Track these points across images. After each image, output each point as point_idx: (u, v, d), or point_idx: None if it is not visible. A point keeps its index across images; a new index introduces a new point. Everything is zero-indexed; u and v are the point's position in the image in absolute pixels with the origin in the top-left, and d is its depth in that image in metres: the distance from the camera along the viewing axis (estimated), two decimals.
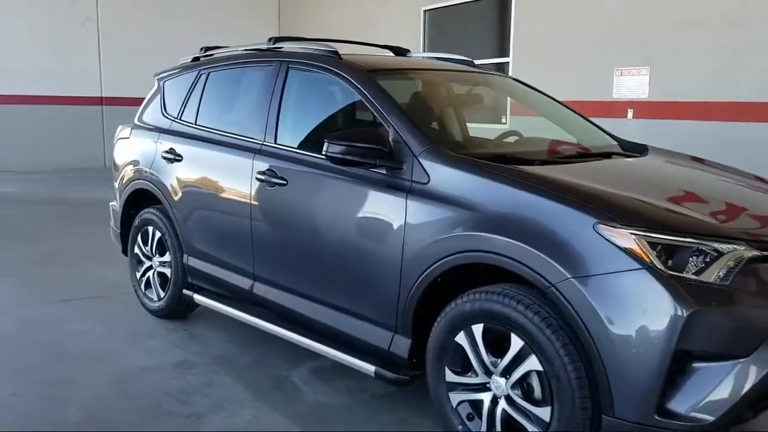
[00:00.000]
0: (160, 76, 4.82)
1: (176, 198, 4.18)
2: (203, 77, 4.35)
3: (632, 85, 7.37)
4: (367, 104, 3.21)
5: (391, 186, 2.94)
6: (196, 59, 4.69)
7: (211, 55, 4.57)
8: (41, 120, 13.14)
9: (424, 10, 10.72)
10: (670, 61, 7.09)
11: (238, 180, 3.74)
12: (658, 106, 7.22)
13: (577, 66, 8.01)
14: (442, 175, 2.80)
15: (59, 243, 6.77)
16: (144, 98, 4.93)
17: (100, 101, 13.71)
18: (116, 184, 4.88)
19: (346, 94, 3.56)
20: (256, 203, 3.60)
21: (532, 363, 2.47)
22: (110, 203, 5.10)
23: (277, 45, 3.98)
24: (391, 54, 4.55)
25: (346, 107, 3.67)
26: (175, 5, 14.15)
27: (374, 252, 2.98)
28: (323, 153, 2.99)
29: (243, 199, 3.68)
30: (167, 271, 4.39)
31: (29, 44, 12.90)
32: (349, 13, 12.43)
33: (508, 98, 6.51)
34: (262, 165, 3.57)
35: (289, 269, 3.49)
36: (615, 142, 3.79)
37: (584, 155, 3.29)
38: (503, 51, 9.32)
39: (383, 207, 2.95)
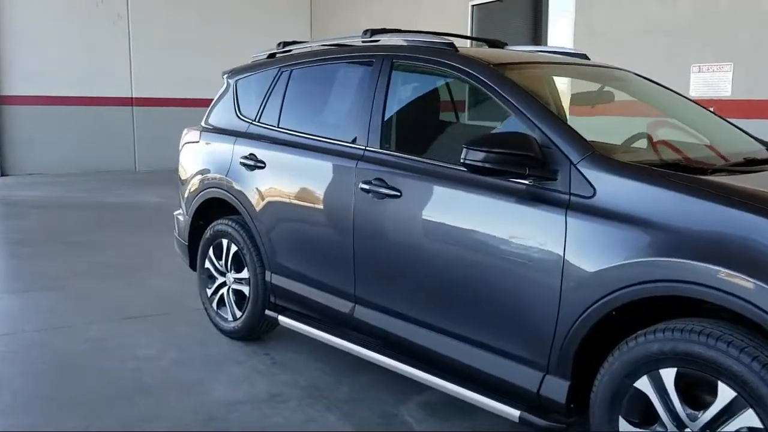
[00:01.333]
0: (232, 74, 4.41)
1: (258, 209, 3.77)
2: (285, 75, 3.94)
3: (713, 81, 6.89)
4: (503, 104, 2.78)
5: (541, 199, 2.51)
6: (272, 56, 4.27)
7: (289, 51, 4.15)
8: (70, 121, 12.83)
9: (472, 5, 10.27)
10: (756, 56, 6.60)
11: (336, 190, 3.33)
12: (742, 105, 6.73)
13: (648, 61, 7.52)
14: (614, 188, 2.37)
15: (107, 252, 6.38)
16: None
17: (131, 102, 13.39)
18: (183, 193, 4.48)
19: (468, 92, 3.13)
20: (360, 216, 3.18)
21: (748, 418, 2.03)
22: (174, 213, 4.70)
23: (375, 38, 3.55)
24: (486, 47, 4.13)
25: (471, 107, 3.23)
26: (206, 3, 13.78)
27: (521, 279, 2.55)
28: (462, 160, 2.56)
29: (343, 212, 3.26)
30: (245, 289, 3.99)
31: (58, 43, 12.59)
32: (390, 9, 12.01)
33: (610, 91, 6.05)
34: (368, 174, 3.14)
35: (402, 293, 3.06)
36: (762, 146, 3.33)
37: (753, 162, 2.84)
38: (561, 46, 8.85)
39: (533, 225, 2.52)
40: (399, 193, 2.99)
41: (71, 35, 12.71)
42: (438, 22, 10.68)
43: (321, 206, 3.42)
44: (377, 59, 3.35)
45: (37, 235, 7.16)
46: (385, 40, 3.56)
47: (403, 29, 3.59)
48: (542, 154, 2.51)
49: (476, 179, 2.71)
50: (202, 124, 4.50)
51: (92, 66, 12.88)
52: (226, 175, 4.00)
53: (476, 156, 2.52)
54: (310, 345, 3.91)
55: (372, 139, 3.23)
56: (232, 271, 4.07)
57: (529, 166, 2.50)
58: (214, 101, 4.50)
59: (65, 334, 4.22)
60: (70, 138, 12.83)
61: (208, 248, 4.23)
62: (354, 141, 3.32)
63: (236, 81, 4.32)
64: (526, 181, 2.58)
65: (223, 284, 4.17)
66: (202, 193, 4.22)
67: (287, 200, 3.63)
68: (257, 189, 3.79)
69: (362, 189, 3.14)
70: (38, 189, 10.57)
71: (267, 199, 3.73)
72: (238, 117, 4.16)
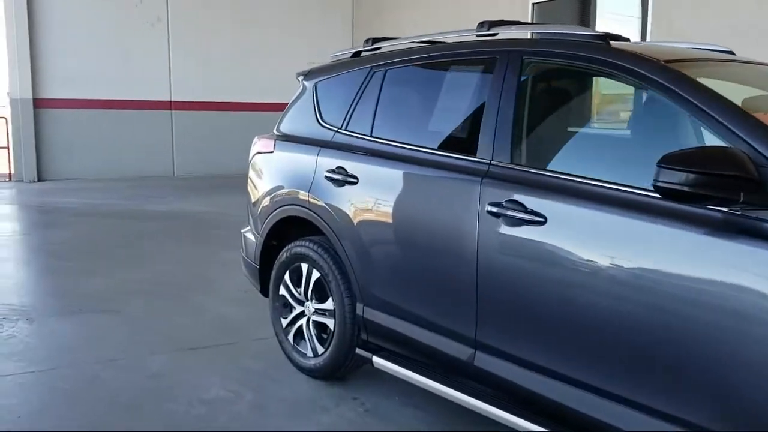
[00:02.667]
0: (309, 76, 3.90)
1: (349, 231, 3.24)
2: (378, 76, 3.41)
3: None
4: (688, 111, 2.22)
5: (756, 232, 1.94)
6: (357, 54, 3.75)
7: (378, 48, 3.63)
8: (108, 125, 12.50)
9: (533, 3, 9.70)
10: None
11: (453, 211, 2.78)
12: None
13: None
14: None
15: (155, 268, 5.91)
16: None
17: (170, 106, 13.02)
18: (253, 209, 3.96)
19: (628, 95, 2.57)
20: (486, 245, 2.63)
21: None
22: (242, 230, 4.19)
23: (493, 31, 3.00)
24: None
25: (637, 113, 2.68)
26: (246, 5, 13.36)
27: (725, 336, 1.98)
28: (654, 182, 2.00)
29: (463, 239, 2.72)
30: (328, 322, 3.46)
31: (96, 45, 12.26)
32: (440, 8, 11.47)
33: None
34: (497, 193, 2.60)
35: (543, 341, 2.51)
36: None
37: None
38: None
39: (745, 267, 1.95)
40: (543, 219, 2.44)
41: (109, 37, 12.37)
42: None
43: (432, 231, 2.88)
44: (501, 56, 2.81)
45: (78, 247, 6.72)
46: (503, 34, 3.01)
47: (525, 22, 3.05)
48: (758, 175, 1.94)
49: (651, 204, 2.16)
50: (275, 131, 3.98)
51: (130, 69, 12.53)
52: (308, 191, 3.48)
53: (673, 177, 1.96)
54: (400, 386, 3.38)
55: (499, 151, 2.68)
56: (313, 301, 3.55)
57: (744, 190, 1.93)
58: (288, 106, 3.99)
59: (123, 368, 3.72)
60: (108, 142, 12.49)
61: (284, 273, 3.71)
62: (474, 153, 2.78)
63: (315, 84, 3.80)
64: (723, 209, 2.01)
65: (302, 315, 3.64)
66: (277, 210, 3.70)
67: (387, 222, 3.09)
68: (348, 208, 3.26)
69: (490, 212, 2.60)
70: (75, 195, 10.19)
71: (360, 220, 3.21)
72: (321, 124, 3.64)
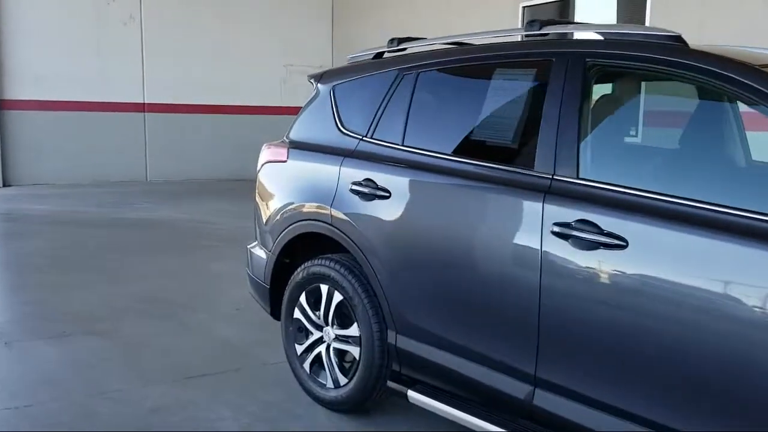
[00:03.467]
0: (325, 79, 3.57)
1: (379, 250, 2.93)
2: (408, 80, 3.10)
3: None
4: None
5: None
6: (379, 55, 3.44)
7: (404, 49, 3.32)
8: (78, 128, 11.97)
9: (523, 6, 9.48)
10: None
11: (509, 231, 2.49)
12: None
13: None
14: None
15: (143, 283, 5.51)
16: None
17: (143, 108, 12.53)
18: (263, 223, 3.62)
19: (717, 104, 2.30)
20: (552, 271, 2.34)
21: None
22: (248, 246, 3.84)
23: (544, 31, 2.71)
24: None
25: (727, 123, 2.40)
26: (223, 3, 12.92)
27: None
28: None
29: (522, 263, 2.43)
30: (353, 351, 3.14)
31: (66, 44, 11.73)
32: (426, 8, 11.20)
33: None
34: (565, 212, 2.31)
35: (626, 382, 2.22)
36: None
37: None
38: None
39: None
40: (624, 243, 2.15)
41: (80, 36, 11.86)
42: (484, 25, 9.88)
43: (482, 252, 2.58)
44: (559, 58, 2.52)
45: (54, 259, 6.28)
46: (554, 34, 2.72)
47: (577, 22, 2.77)
48: None
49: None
50: (287, 138, 3.65)
51: (102, 69, 12.02)
52: (330, 205, 3.15)
53: None
54: (426, 417, 3.06)
55: (563, 163, 2.39)
56: (334, 326, 3.22)
57: None
58: (301, 111, 3.65)
59: (118, 402, 3.35)
60: (78, 146, 11.96)
61: (299, 294, 3.38)
62: (530, 166, 2.49)
63: (332, 87, 3.47)
64: None
65: (320, 341, 3.31)
66: (293, 225, 3.37)
67: (426, 241, 2.78)
68: (379, 224, 2.95)
69: (556, 233, 2.30)
70: (46, 202, 9.68)
71: (394, 238, 2.89)
72: (342, 132, 3.31)
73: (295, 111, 12.79)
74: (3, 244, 7.07)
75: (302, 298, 3.37)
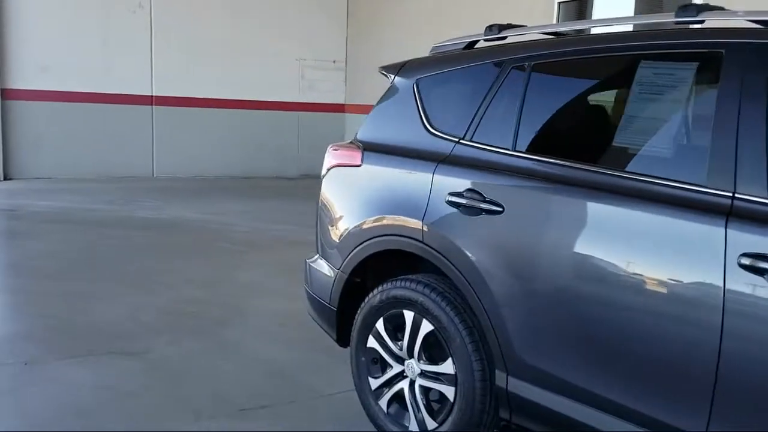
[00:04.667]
0: (405, 71, 3.10)
1: (488, 274, 2.46)
2: (518, 73, 2.64)
3: None
4: None
5: None
6: (471, 45, 2.97)
7: (504, 38, 2.85)
8: (82, 120, 11.44)
9: (559, 2, 9.02)
10: None
11: (676, 262, 2.03)
12: None
13: None
14: None
15: (167, 292, 5.04)
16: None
17: (151, 101, 12.02)
18: (330, 236, 3.16)
19: None
20: (740, 311, 1.89)
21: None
22: (308, 261, 3.38)
23: (700, 18, 2.25)
24: None
25: None
26: None
27: None
28: None
29: (694, 300, 1.98)
30: (446, 390, 2.67)
31: (71, 33, 11.21)
32: (451, 7, 10.74)
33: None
34: (758, 242, 1.85)
35: None
36: None
37: None
38: None
39: None
40: None
41: (86, 24, 11.33)
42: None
43: (636, 285, 2.12)
44: (731, 51, 2.06)
45: (67, 264, 5.79)
46: (712, 21, 2.26)
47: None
48: None
49: None
50: (359, 139, 3.18)
51: (108, 59, 11.50)
52: (422, 219, 2.68)
53: None
54: None
55: (747, 180, 1.95)
56: (422, 361, 2.75)
57: None
58: (375, 109, 3.18)
59: None
60: (82, 139, 11.45)
61: (375, 320, 2.91)
62: (699, 181, 2.03)
63: (416, 82, 3.00)
64: None
65: (401, 376, 2.85)
66: (371, 241, 2.90)
67: (554, 267, 2.32)
68: (486, 244, 2.49)
69: (745, 266, 1.85)
70: (50, 198, 9.16)
71: (508, 262, 2.43)
72: (430, 133, 2.85)
73: (312, 107, 12.28)
74: (8, 245, 6.56)
75: (379, 325, 2.91)
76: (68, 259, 5.96)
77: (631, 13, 8.76)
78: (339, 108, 13.68)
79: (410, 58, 3.13)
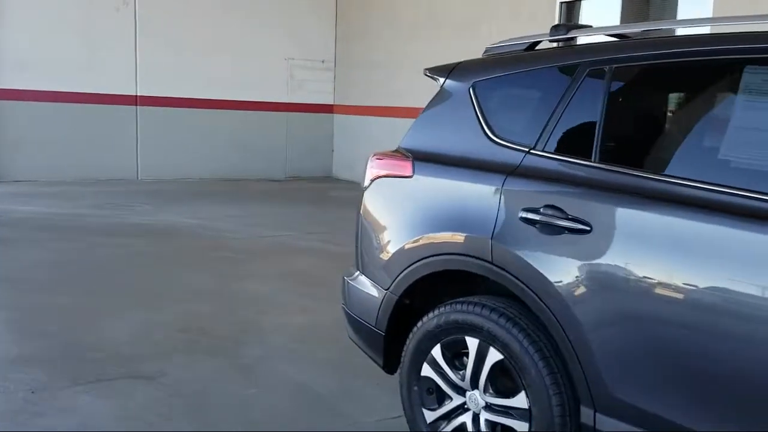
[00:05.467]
0: (459, 73, 2.85)
1: (573, 300, 2.22)
2: (597, 76, 2.40)
3: None
4: None
5: None
6: (531, 47, 2.73)
7: (572, 39, 2.62)
8: (64, 121, 11.08)
9: (561, 2, 8.84)
10: None
11: None
12: None
13: None
14: None
15: (173, 306, 4.74)
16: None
17: (135, 101, 11.65)
18: (376, 252, 2.90)
19: None
20: None
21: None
22: (347, 278, 3.11)
23: None
24: None
25: None
26: None
27: None
28: None
29: None
30: (517, 427, 2.42)
31: (53, 30, 10.83)
32: (446, 6, 10.51)
33: None
34: None
35: None
36: None
37: None
38: None
39: None
40: None
41: (68, 21, 10.96)
42: (514, 23, 9.22)
43: (751, 312, 1.89)
44: None
45: (65, 276, 5.46)
46: None
47: None
48: None
49: None
50: (404, 147, 2.92)
51: (91, 58, 11.14)
52: (490, 237, 2.43)
53: None
54: None
55: None
56: (488, 393, 2.50)
57: None
58: (423, 115, 2.92)
59: None
60: (63, 140, 11.07)
61: (431, 347, 2.66)
62: None
63: (473, 85, 2.75)
64: None
65: (462, 408, 2.59)
66: (427, 260, 2.65)
67: (655, 293, 2.08)
68: (571, 266, 2.24)
69: None
70: (34, 202, 8.78)
71: (598, 286, 2.19)
72: (493, 141, 2.60)
73: (300, 108, 11.93)
74: None
75: (436, 353, 2.65)
76: (63, 270, 5.62)
77: (617, 13, 8.68)
78: (328, 108, 13.41)
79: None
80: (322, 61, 13.20)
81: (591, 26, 2.64)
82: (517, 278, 2.37)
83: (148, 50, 11.53)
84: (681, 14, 7.92)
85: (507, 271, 2.40)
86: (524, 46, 2.74)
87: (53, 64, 10.83)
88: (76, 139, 11.14)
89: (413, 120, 2.91)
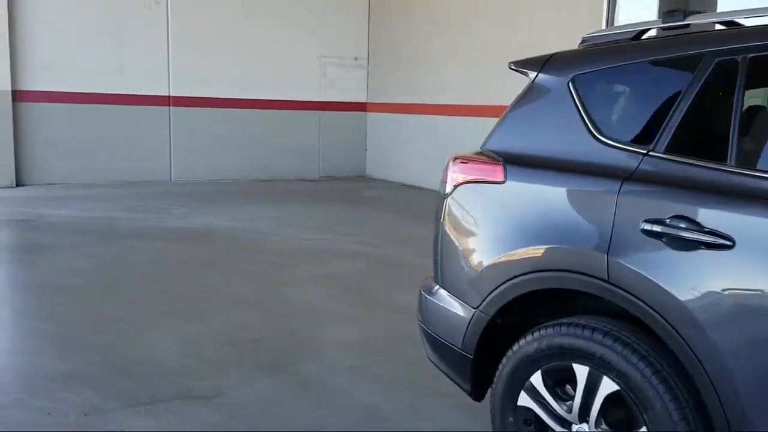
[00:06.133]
0: (554, 66, 2.55)
1: (711, 323, 1.92)
2: (727, 69, 2.09)
3: None
4: None
5: None
6: (638, 36, 2.43)
7: (687, 25, 2.31)
8: (96, 122, 10.93)
9: None
10: None
11: None
12: None
13: None
14: None
15: (220, 317, 4.51)
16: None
17: (168, 101, 11.47)
18: (464, 267, 2.61)
19: None
20: None
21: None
22: (425, 293, 2.83)
23: None
24: None
25: None
26: None
27: None
28: None
29: None
30: None
31: (84, 30, 10.68)
32: None
33: None
34: None
35: None
36: None
37: None
38: None
39: None
40: None
41: (100, 21, 10.79)
42: (554, 13, 8.88)
43: None
44: None
45: (103, 283, 5.27)
46: None
47: None
48: None
49: None
50: (490, 149, 2.63)
51: (123, 58, 10.98)
52: (606, 253, 2.14)
53: None
54: None
55: None
56: (600, 427, 2.21)
57: None
58: (512, 113, 2.63)
59: None
60: (96, 142, 10.92)
61: (530, 373, 2.37)
62: None
63: (572, 79, 2.45)
64: None
65: None
66: (526, 277, 2.36)
67: None
68: (708, 285, 1.94)
69: None
70: (67, 205, 8.61)
71: (747, 310, 1.89)
72: (602, 142, 2.31)
73: (333, 106, 11.65)
74: (34, 262, 5.99)
75: (536, 380, 2.36)
76: (101, 276, 5.42)
77: (654, 7, 8.30)
78: (361, 107, 13.15)
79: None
80: (355, 59, 12.94)
81: (714, 12, 2.33)
82: (641, 300, 2.07)
83: (180, 50, 11.35)
84: (721, 6, 7.59)
85: (628, 292, 2.10)
86: (631, 35, 2.44)
87: (85, 65, 10.69)
88: (108, 140, 10.99)
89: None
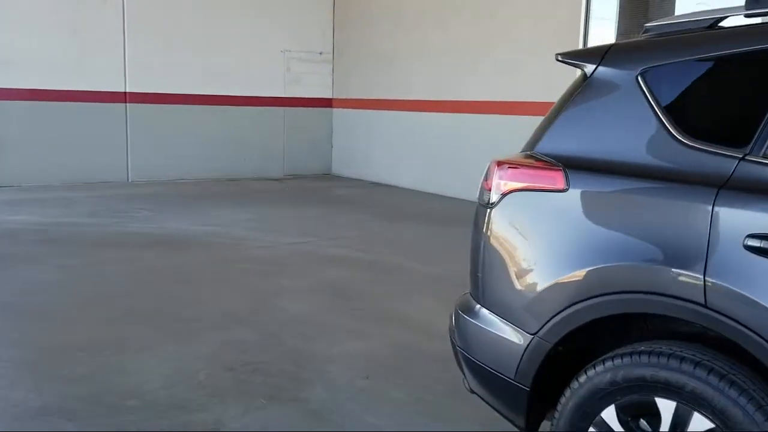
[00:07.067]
0: (619, 57, 2.26)
1: None
2: None
3: None
4: None
5: None
6: (713, 24, 2.15)
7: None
8: (49, 120, 10.35)
9: None
10: None
11: None
12: None
13: None
14: None
15: (212, 335, 4.14)
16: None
17: (124, 98, 10.92)
18: (517, 288, 2.30)
19: None
20: None
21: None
22: (462, 312, 2.51)
23: None
24: None
25: None
26: None
27: None
28: None
29: None
30: None
31: (37, 25, 10.07)
32: None
33: None
34: None
35: None
36: None
37: None
38: None
39: None
40: None
41: (52, 15, 10.23)
42: (534, 8, 8.65)
43: None
44: None
45: (77, 300, 4.80)
46: None
47: None
48: None
49: None
50: (541, 152, 2.32)
51: (77, 53, 10.43)
52: (703, 273, 1.85)
53: None
54: None
55: None
56: None
57: None
58: (566, 111, 2.33)
59: None
60: (48, 141, 10.37)
61: (601, 408, 2.09)
62: None
63: (641, 73, 2.16)
64: None
65: None
66: (599, 300, 2.07)
67: None
68: None
69: None
70: (24, 211, 8.05)
71: None
72: (685, 145, 2.02)
73: (298, 102, 11.19)
74: None
75: (608, 416, 2.07)
76: (71, 292, 4.95)
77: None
78: (326, 103, 12.79)
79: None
80: (320, 53, 12.55)
81: None
82: (748, 328, 1.79)
83: (137, 44, 10.82)
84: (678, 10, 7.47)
85: (730, 318, 1.82)
86: (707, 24, 2.16)
87: (37, 61, 10.10)
88: (62, 140, 10.42)
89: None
